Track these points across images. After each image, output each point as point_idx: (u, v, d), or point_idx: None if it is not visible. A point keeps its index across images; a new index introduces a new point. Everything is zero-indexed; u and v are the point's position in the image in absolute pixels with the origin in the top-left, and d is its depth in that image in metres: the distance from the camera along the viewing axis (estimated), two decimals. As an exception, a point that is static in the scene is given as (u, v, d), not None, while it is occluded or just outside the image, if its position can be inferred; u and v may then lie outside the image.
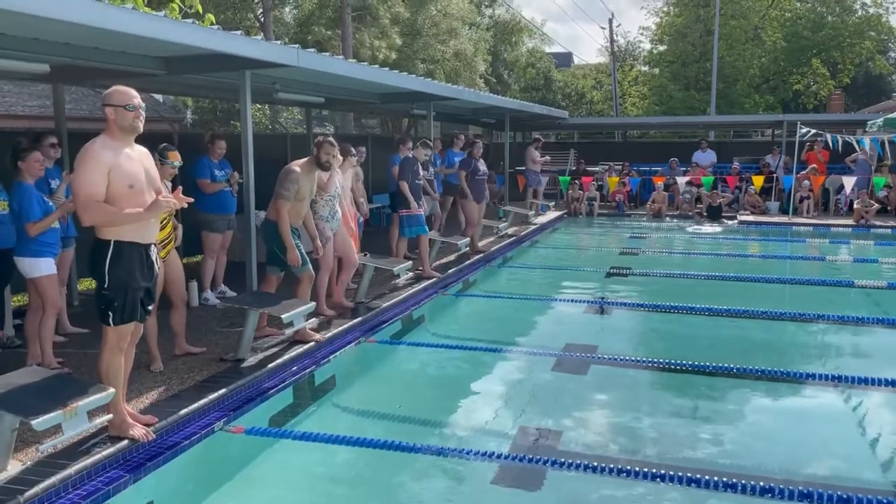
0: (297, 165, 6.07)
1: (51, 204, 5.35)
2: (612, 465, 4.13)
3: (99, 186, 3.76)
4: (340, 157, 6.93)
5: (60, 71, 6.41)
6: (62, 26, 4.45)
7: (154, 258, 4.09)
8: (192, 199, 4.14)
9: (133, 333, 4.13)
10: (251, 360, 5.53)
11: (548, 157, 16.56)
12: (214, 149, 7.51)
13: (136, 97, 3.90)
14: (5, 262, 5.37)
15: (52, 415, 3.52)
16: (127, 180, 3.84)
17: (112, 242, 3.87)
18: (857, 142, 14.68)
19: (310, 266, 6.18)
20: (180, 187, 4.10)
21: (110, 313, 3.94)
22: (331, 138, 6.33)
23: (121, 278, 3.90)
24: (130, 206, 3.86)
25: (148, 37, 4.89)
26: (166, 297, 5.35)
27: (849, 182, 15.13)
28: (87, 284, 8.06)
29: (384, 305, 7.41)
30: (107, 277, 3.88)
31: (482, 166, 10.60)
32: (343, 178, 7.22)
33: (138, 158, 3.99)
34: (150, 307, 4.19)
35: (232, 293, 7.42)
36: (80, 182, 3.77)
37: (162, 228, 5.27)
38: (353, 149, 7.70)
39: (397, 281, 8.17)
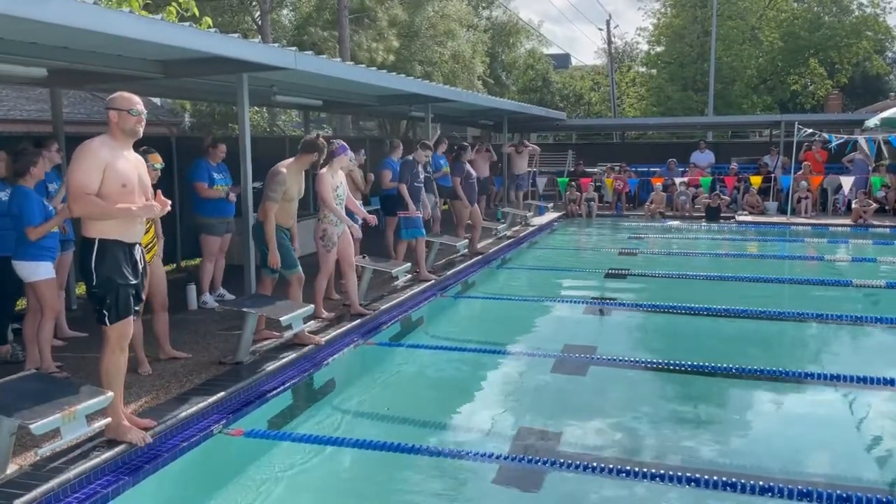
0: (283, 166, 6.06)
1: (51, 208, 5.34)
2: (611, 466, 4.13)
3: (92, 181, 3.85)
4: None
5: (58, 75, 6.40)
6: (60, 30, 4.45)
7: (139, 257, 4.13)
8: (169, 203, 4.25)
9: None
10: (250, 363, 5.52)
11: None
12: (216, 153, 7.51)
13: (139, 103, 4.04)
14: (9, 268, 5.35)
15: (50, 419, 3.51)
16: (121, 179, 3.93)
17: (96, 241, 3.94)
18: (846, 143, 14.70)
19: (299, 268, 6.17)
20: (160, 191, 4.17)
21: (105, 312, 3.98)
22: (318, 137, 6.28)
23: (107, 274, 3.95)
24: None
25: (145, 40, 4.89)
26: (149, 303, 5.34)
27: (847, 182, 15.14)
28: (86, 288, 8.05)
29: (383, 308, 7.41)
30: (94, 275, 3.94)
31: (473, 170, 10.64)
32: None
33: (133, 163, 4.09)
34: (136, 307, 4.19)
35: (231, 296, 7.42)
36: (75, 174, 3.86)
37: (146, 232, 5.27)
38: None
39: (396, 283, 8.17)
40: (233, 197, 7.45)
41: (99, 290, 3.96)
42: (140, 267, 4.14)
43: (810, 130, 14.78)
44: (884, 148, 15.71)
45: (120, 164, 3.94)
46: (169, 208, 4.23)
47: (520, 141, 15.11)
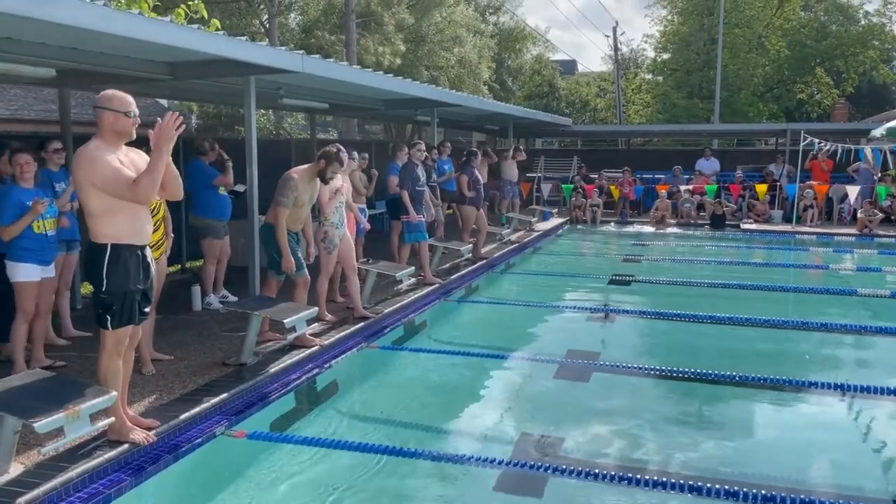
0: (295, 173, 6.08)
1: (55, 209, 5.31)
2: (613, 473, 4.12)
3: (123, 171, 3.76)
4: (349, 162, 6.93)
5: (66, 75, 6.44)
6: (69, 31, 4.48)
7: (150, 259, 4.10)
8: (181, 119, 3.88)
9: (132, 336, 4.13)
10: (253, 365, 5.53)
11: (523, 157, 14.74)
12: (213, 154, 7.55)
13: (134, 104, 3.92)
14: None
15: (54, 417, 3.52)
16: None
17: (109, 246, 3.87)
18: (857, 152, 14.71)
19: (305, 270, 6.18)
20: (172, 113, 3.95)
21: (108, 317, 3.93)
22: (342, 155, 6.22)
23: (119, 283, 3.89)
24: (130, 209, 3.86)
25: (154, 41, 4.92)
26: None
27: (852, 191, 15.10)
28: (91, 288, 8.07)
29: (386, 311, 7.41)
30: (105, 282, 3.88)
31: (480, 175, 10.65)
32: (347, 183, 7.22)
33: (128, 161, 3.95)
34: (146, 309, 4.18)
35: (233, 298, 7.43)
36: (109, 177, 3.73)
37: (155, 230, 5.26)
38: (355, 153, 7.72)
39: (400, 287, 8.18)
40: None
41: (108, 296, 3.90)
42: (152, 269, 4.12)
43: (816, 140, 14.72)
44: (889, 158, 15.66)
45: (128, 173, 3.84)
46: (181, 121, 3.85)
47: (514, 147, 14.79)
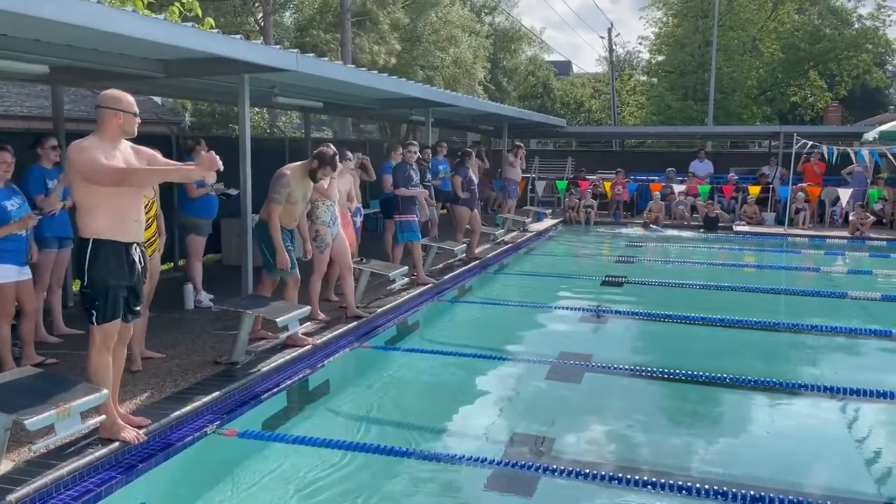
0: (288, 169, 6.09)
1: (11, 209, 5.01)
2: (604, 473, 4.14)
3: (107, 161, 3.80)
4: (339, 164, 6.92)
5: (60, 72, 6.42)
6: (63, 28, 4.47)
7: (136, 257, 4.06)
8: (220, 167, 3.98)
9: (122, 333, 4.12)
10: (245, 364, 5.52)
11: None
12: (201, 150, 7.53)
13: (135, 103, 4.02)
14: None
15: (45, 415, 3.51)
16: None
17: (91, 241, 3.89)
18: (856, 154, 14.78)
19: (297, 270, 6.18)
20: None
21: (94, 312, 3.94)
22: (334, 156, 6.20)
23: (100, 277, 3.91)
24: (113, 204, 3.88)
25: (148, 39, 4.91)
26: None
27: (845, 194, 15.18)
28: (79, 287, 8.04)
29: (379, 311, 7.42)
30: (86, 276, 3.91)
31: (474, 175, 10.68)
32: (341, 183, 7.22)
33: (123, 157, 3.98)
34: (136, 307, 4.17)
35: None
36: (96, 165, 3.76)
37: (147, 227, 5.23)
38: (349, 153, 7.72)
39: (393, 286, 8.18)
40: (211, 181, 7.41)
41: (90, 290, 3.93)
42: (139, 266, 4.09)
43: (810, 143, 14.78)
44: (891, 157, 15.64)
45: (115, 163, 3.87)
46: (219, 166, 3.93)
47: (515, 145, 14.75)
